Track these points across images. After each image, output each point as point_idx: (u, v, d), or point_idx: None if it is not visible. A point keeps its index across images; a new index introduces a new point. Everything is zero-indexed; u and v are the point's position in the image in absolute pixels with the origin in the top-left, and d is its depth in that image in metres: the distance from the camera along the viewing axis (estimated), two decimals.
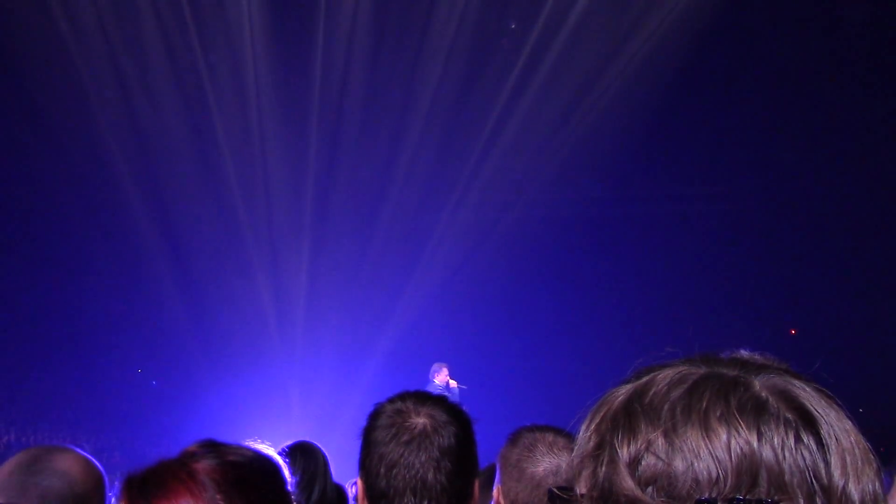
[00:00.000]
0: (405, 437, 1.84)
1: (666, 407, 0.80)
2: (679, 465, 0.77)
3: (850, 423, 0.80)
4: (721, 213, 17.83)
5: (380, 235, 17.81)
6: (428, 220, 18.39)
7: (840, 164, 17.44)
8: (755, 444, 0.76)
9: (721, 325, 17.22)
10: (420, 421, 1.85)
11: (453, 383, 10.70)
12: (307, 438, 3.18)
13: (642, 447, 0.79)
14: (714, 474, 0.76)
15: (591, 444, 0.84)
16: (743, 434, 0.76)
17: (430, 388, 10.34)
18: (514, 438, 2.18)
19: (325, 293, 18.84)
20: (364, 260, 17.93)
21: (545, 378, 19.98)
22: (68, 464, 2.09)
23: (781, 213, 18.32)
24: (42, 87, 16.05)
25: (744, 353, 1.67)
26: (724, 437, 0.76)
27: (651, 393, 0.82)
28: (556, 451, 2.08)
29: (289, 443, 3.12)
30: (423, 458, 1.82)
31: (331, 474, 3.05)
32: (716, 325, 16.99)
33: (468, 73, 16.28)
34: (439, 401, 1.95)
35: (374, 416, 1.91)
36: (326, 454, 3.10)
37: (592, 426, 0.86)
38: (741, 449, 0.76)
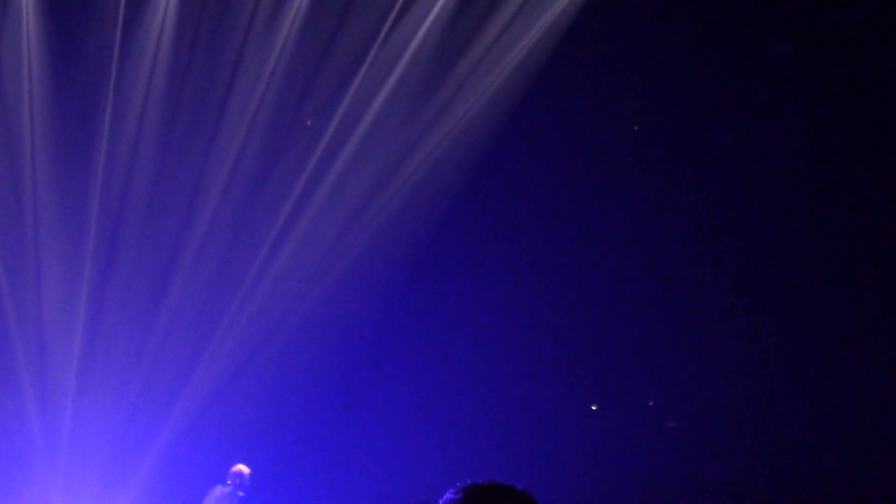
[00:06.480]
0: None
1: None
2: None
3: None
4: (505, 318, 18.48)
5: (163, 324, 17.18)
6: (218, 306, 18.05)
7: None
8: None
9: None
10: None
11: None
12: None
13: None
14: None
15: None
16: None
17: (221, 495, 10.17)
18: None
19: (100, 371, 17.85)
20: (144, 352, 17.19)
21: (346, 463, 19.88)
22: None
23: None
24: None
25: None
26: None
27: None
28: None
29: None
30: None
31: None
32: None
33: (260, 169, 16.30)
34: None
35: None
36: None
37: None
38: None
